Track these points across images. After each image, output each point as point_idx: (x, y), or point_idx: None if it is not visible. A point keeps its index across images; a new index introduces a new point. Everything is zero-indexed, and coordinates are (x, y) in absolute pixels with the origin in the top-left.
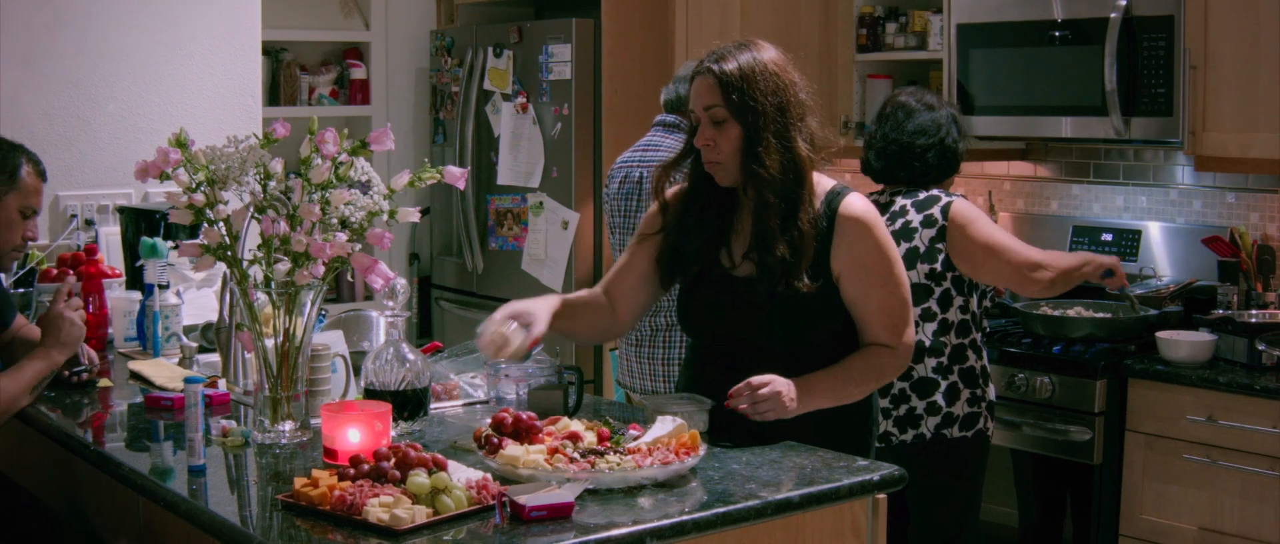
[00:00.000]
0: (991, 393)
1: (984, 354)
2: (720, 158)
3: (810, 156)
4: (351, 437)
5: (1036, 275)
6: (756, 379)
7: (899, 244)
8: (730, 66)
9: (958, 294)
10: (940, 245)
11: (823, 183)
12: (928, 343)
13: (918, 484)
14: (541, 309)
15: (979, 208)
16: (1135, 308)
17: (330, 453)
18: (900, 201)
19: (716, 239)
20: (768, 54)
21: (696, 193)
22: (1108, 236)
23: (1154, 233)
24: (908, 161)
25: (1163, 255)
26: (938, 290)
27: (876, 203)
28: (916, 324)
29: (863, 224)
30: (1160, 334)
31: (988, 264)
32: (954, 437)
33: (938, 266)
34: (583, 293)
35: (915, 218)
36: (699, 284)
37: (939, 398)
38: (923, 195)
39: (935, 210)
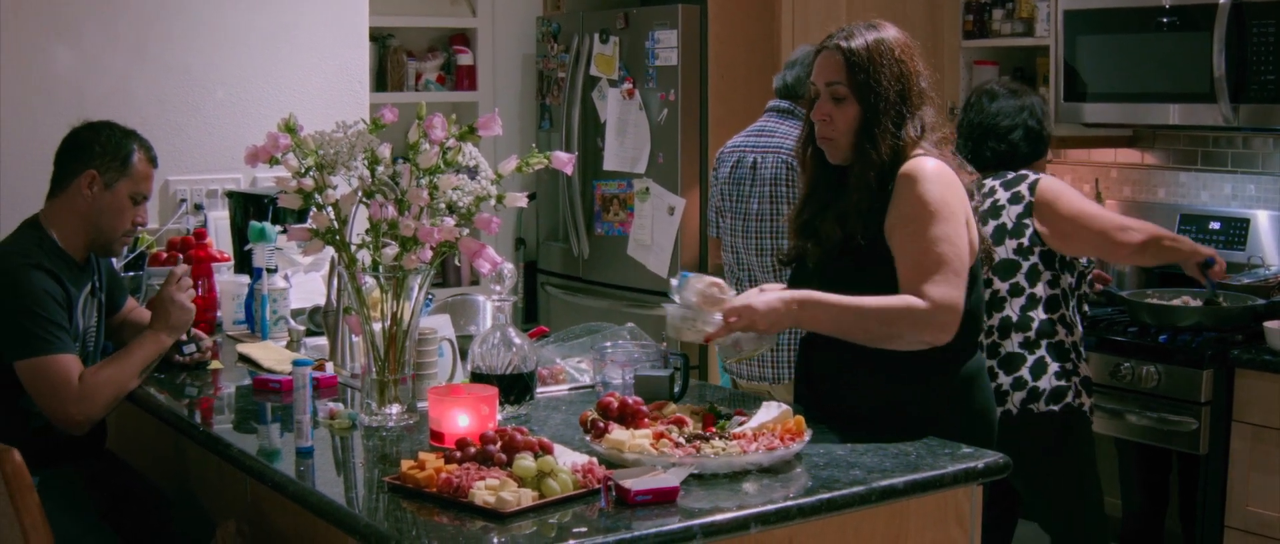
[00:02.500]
0: (1085, 369)
1: (1077, 330)
2: (834, 135)
3: (914, 141)
4: (459, 420)
5: (1124, 236)
6: (739, 302)
7: (986, 222)
8: (858, 44)
9: (1046, 269)
10: (1027, 221)
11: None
12: (1015, 318)
13: (1015, 463)
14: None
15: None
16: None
17: (437, 436)
18: (989, 183)
19: (823, 213)
20: (895, 37)
21: (820, 170)
22: (1216, 225)
23: (1262, 221)
24: (991, 141)
25: (1271, 244)
26: (1025, 265)
27: (965, 188)
28: (1004, 299)
29: (909, 177)
30: (1268, 324)
31: (1077, 234)
32: (1040, 411)
33: (1025, 241)
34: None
35: (1003, 195)
36: (797, 263)
37: (1025, 373)
38: (1011, 176)
39: (1022, 187)
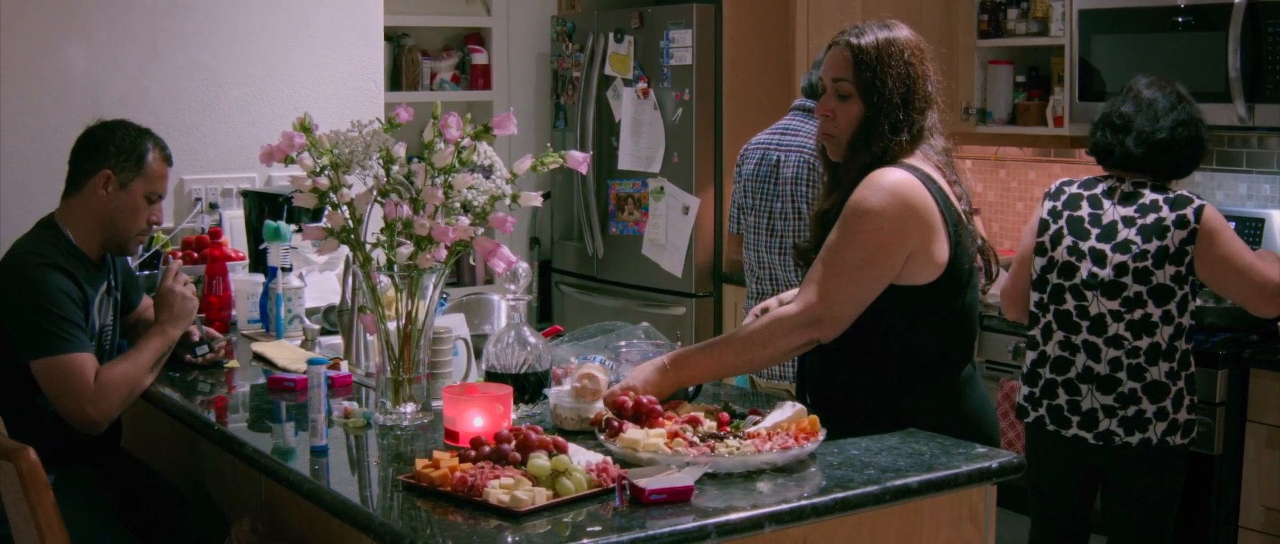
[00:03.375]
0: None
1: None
2: (835, 131)
3: (904, 147)
4: (473, 419)
5: (1275, 301)
6: (619, 388)
7: (1150, 240)
8: (867, 42)
9: (1193, 299)
10: (1189, 248)
11: None
12: (1163, 345)
13: (1128, 487)
14: None
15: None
16: None
17: (451, 435)
18: (1151, 196)
19: (823, 219)
20: (907, 39)
21: (828, 170)
22: (1231, 225)
23: (1278, 221)
24: (1172, 151)
25: None
26: (1179, 293)
27: (1122, 191)
28: (1156, 325)
29: (858, 191)
30: None
31: (1230, 280)
32: (1176, 444)
33: (1182, 269)
34: None
35: (1169, 215)
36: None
37: (1168, 403)
38: (1173, 194)
39: (1188, 212)
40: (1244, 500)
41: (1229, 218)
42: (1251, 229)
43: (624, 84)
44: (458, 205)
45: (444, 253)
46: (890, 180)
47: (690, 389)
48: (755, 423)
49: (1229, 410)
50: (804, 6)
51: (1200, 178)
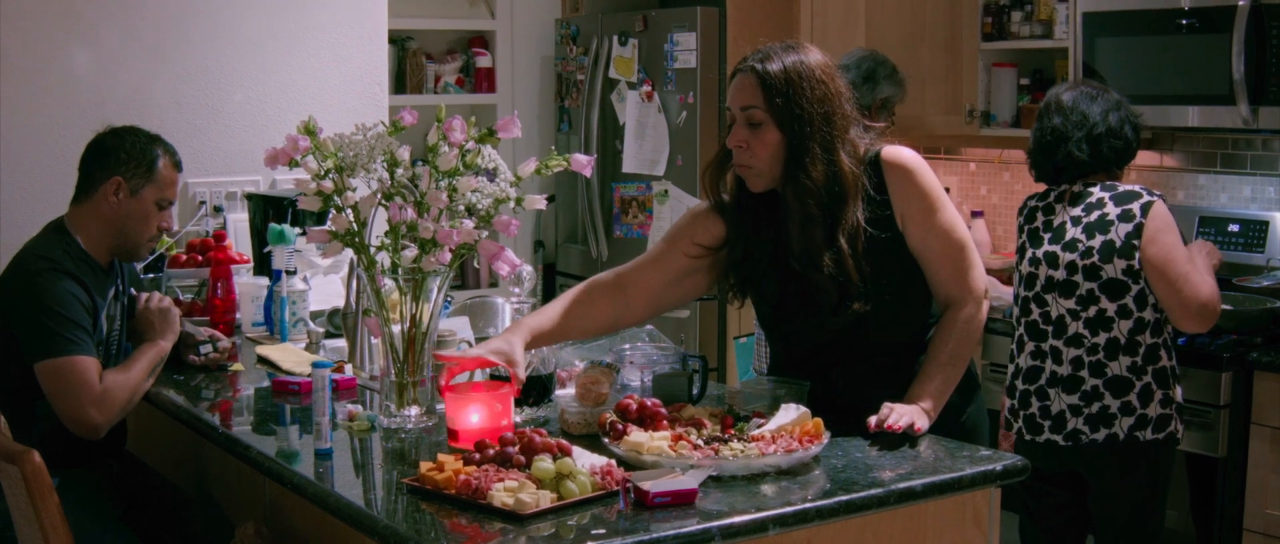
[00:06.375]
0: (1179, 393)
1: (1174, 354)
2: (752, 162)
3: (854, 172)
4: (471, 415)
5: (1202, 316)
6: (885, 411)
7: (1094, 236)
8: (774, 68)
9: (1152, 292)
10: (1137, 241)
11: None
12: (1123, 340)
13: (1105, 486)
14: (516, 350)
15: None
16: None
17: (453, 434)
18: (1098, 193)
19: (780, 249)
20: (815, 59)
21: (746, 201)
22: (1234, 227)
23: None
24: (1111, 139)
25: None
26: (1134, 288)
27: (1072, 193)
28: (1112, 320)
29: (905, 168)
30: None
31: (1159, 284)
32: (1146, 439)
33: (1135, 263)
34: (569, 298)
35: (1113, 210)
36: (782, 297)
37: (1134, 398)
38: (1121, 189)
39: (1135, 206)
40: (1249, 504)
41: (1232, 220)
42: (1255, 231)
43: (628, 87)
44: (462, 208)
45: (448, 256)
46: (909, 152)
47: (694, 391)
48: (759, 426)
49: (1233, 413)
50: (808, 9)
51: (1204, 180)
